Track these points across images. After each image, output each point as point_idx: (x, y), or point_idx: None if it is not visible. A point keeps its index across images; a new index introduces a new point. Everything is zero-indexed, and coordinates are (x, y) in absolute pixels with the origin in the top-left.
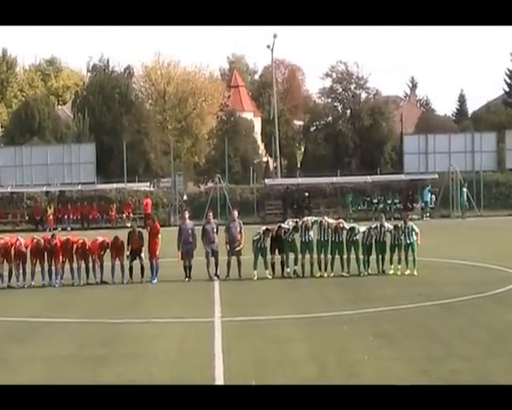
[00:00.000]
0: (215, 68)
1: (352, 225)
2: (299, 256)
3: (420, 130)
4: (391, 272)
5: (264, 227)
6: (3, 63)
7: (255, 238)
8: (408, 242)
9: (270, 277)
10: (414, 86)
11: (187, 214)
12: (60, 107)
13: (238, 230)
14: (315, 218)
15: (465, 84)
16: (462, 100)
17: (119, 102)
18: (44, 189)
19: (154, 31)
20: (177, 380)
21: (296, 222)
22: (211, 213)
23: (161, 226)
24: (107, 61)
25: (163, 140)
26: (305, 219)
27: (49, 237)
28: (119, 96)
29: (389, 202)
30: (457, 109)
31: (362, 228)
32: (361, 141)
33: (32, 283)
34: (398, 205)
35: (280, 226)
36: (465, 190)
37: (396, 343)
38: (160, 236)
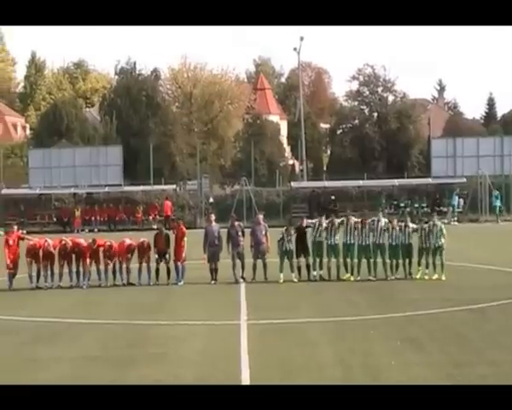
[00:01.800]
0: (241, 71)
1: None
2: (325, 260)
3: (448, 133)
4: (418, 276)
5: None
6: (32, 66)
7: (279, 239)
8: (437, 245)
9: (296, 280)
10: (442, 89)
11: (213, 217)
12: (87, 109)
13: (263, 233)
14: (340, 219)
15: (494, 87)
16: (491, 103)
17: (145, 104)
18: (72, 190)
19: (180, 34)
20: (203, 382)
21: (328, 222)
22: (235, 217)
23: (187, 229)
24: (135, 64)
25: (189, 142)
26: (332, 219)
27: (78, 239)
28: (145, 99)
29: (416, 205)
30: (486, 112)
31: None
32: (388, 144)
33: (60, 284)
34: (425, 209)
35: (303, 219)
36: (497, 193)
37: (423, 348)
38: (185, 239)
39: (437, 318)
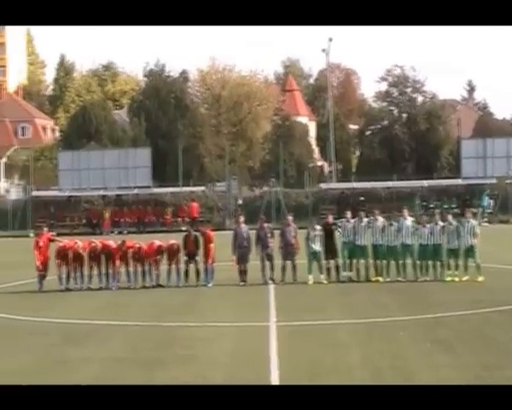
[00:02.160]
0: (270, 72)
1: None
2: (354, 261)
3: (477, 134)
4: (448, 278)
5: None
6: (62, 69)
7: (305, 237)
8: (468, 245)
9: (325, 282)
10: (471, 89)
11: (242, 218)
12: (116, 111)
13: (293, 234)
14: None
15: None
16: None
17: (174, 106)
18: (101, 192)
19: (209, 36)
20: (232, 383)
21: (355, 222)
22: (264, 218)
23: (216, 230)
24: (163, 66)
25: (218, 144)
26: (360, 219)
27: (107, 241)
28: (174, 101)
29: (446, 206)
30: None
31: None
32: (417, 145)
33: (90, 285)
34: (455, 210)
35: (328, 216)
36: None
37: (452, 350)
38: (212, 245)
39: (467, 319)
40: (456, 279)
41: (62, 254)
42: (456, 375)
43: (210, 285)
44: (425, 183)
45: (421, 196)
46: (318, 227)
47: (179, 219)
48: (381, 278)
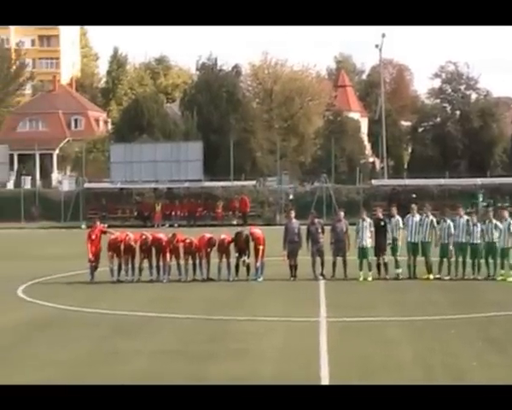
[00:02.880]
0: (322, 68)
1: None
2: (405, 258)
3: None
4: (499, 278)
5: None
6: (114, 61)
7: (356, 230)
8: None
9: (369, 279)
10: None
11: (293, 214)
12: (168, 105)
13: (344, 230)
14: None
15: None
16: None
17: (226, 100)
18: (153, 185)
19: (261, 30)
20: (282, 378)
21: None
22: (314, 213)
23: (266, 225)
24: (216, 60)
25: (269, 139)
26: (410, 216)
27: (158, 233)
28: (226, 95)
29: (499, 205)
30: None
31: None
32: (470, 142)
33: (140, 277)
34: (508, 208)
35: (377, 211)
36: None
37: (504, 349)
38: (262, 247)
39: None
40: (510, 279)
41: (114, 247)
42: (508, 374)
43: (260, 280)
44: (478, 181)
45: (473, 194)
46: (368, 220)
47: (230, 214)
48: (431, 276)
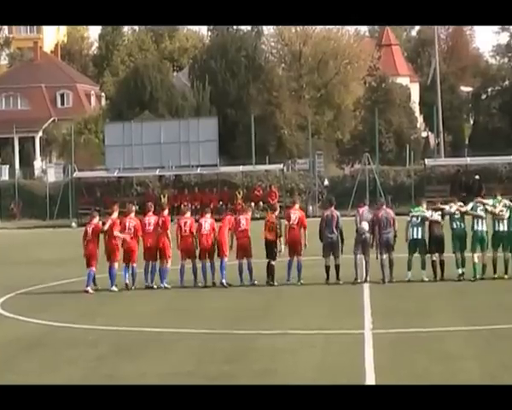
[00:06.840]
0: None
1: None
2: (468, 254)
3: None
4: None
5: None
6: None
7: (408, 221)
8: None
9: (426, 279)
10: None
11: (331, 203)
12: (175, 74)
13: (391, 221)
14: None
15: None
16: None
17: (245, 67)
18: (157, 173)
19: None
20: None
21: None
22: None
23: None
24: None
25: (299, 112)
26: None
27: None
28: (245, 61)
29: None
30: None
31: None
32: None
33: (147, 284)
34: None
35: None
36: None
37: None
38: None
39: None
40: None
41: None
42: None
43: (299, 283)
44: None
45: None
46: (425, 205)
47: (252, 205)
48: (505, 275)
